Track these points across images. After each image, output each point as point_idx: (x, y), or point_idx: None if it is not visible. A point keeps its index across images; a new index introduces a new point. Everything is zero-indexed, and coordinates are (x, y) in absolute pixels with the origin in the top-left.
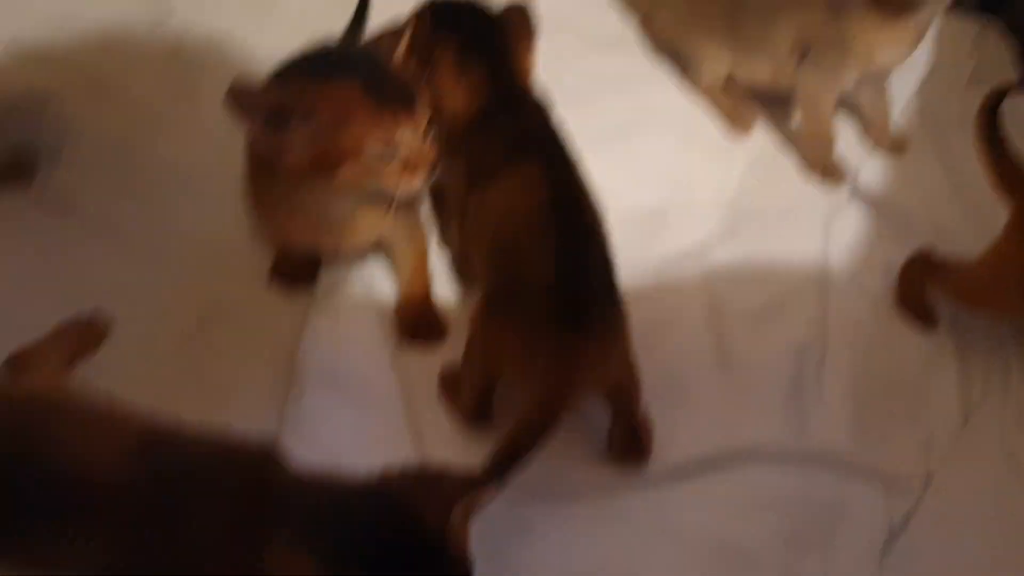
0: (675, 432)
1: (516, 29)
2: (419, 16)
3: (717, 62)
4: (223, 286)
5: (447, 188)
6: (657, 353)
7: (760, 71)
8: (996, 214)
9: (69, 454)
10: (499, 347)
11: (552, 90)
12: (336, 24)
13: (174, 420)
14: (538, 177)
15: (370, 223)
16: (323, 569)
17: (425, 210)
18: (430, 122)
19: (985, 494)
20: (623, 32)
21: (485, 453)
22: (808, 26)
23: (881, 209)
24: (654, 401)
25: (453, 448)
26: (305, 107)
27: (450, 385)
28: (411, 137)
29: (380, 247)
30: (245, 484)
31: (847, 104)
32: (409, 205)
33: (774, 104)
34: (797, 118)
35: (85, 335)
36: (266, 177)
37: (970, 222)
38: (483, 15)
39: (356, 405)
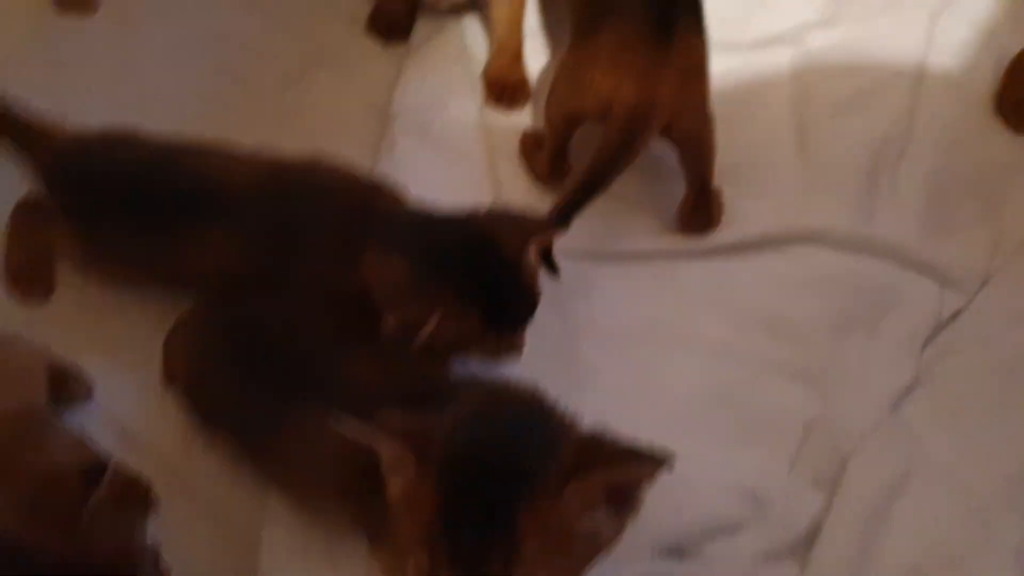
0: (743, 209)
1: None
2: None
3: None
4: (325, 32)
5: None
6: (738, 133)
7: None
8: None
9: (215, 171)
10: (586, 75)
11: None
12: None
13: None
14: None
15: None
16: (414, 272)
17: None
18: None
19: None
20: None
21: None
22: None
23: (994, 8)
24: (728, 177)
25: (529, 201)
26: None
27: (530, 147)
28: None
29: (477, 3)
30: (356, 202)
31: None
32: None
33: None
34: None
35: None
36: None
37: None
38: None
39: (443, 155)
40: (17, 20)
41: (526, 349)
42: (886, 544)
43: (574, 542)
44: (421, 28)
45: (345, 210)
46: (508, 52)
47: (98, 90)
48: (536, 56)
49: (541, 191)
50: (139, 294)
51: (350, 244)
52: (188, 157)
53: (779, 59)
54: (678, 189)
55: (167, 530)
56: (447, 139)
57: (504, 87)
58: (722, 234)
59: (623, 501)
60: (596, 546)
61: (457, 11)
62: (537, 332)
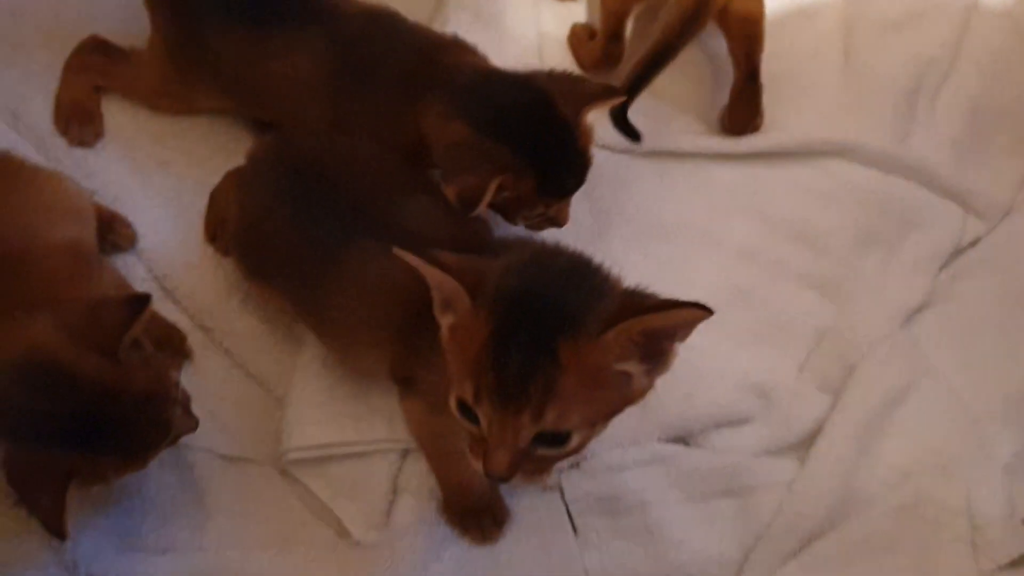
0: (782, 118)
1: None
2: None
3: None
4: None
5: None
6: (787, 43)
7: None
8: None
9: None
10: None
11: None
12: None
13: None
14: None
15: None
16: (473, 131)
17: None
18: None
19: None
20: None
21: None
22: None
23: None
24: (770, 86)
25: None
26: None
27: (579, 37)
28: None
29: None
30: (422, 55)
31: None
32: None
33: None
34: None
35: None
36: None
37: None
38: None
39: (493, 35)
40: None
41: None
42: (882, 449)
43: (608, 385)
44: None
45: (418, 53)
46: None
47: None
48: None
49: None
50: (186, 150)
51: (414, 89)
52: None
53: None
54: (720, 95)
55: (199, 384)
56: (499, 19)
57: None
58: (758, 140)
59: (657, 355)
60: (627, 395)
61: None
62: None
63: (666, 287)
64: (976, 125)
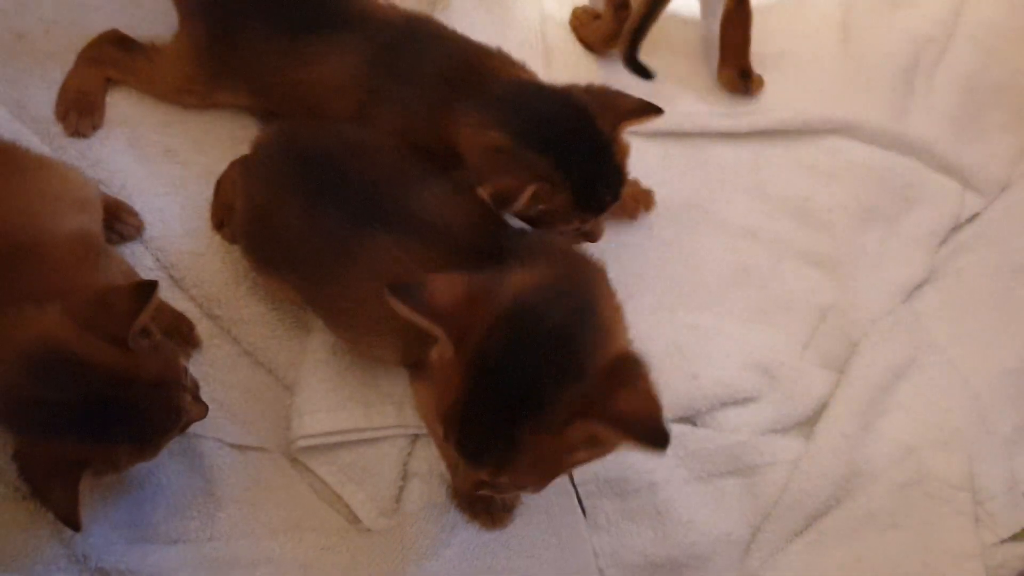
0: (783, 96)
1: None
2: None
3: None
4: None
5: None
6: (786, 23)
7: None
8: None
9: None
10: None
11: None
12: None
13: None
14: None
15: None
16: (511, 141)
17: None
18: None
19: None
20: None
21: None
22: None
23: None
24: (771, 64)
25: (577, 69)
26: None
27: (580, 20)
28: None
29: None
30: (462, 63)
31: None
32: None
33: None
34: None
35: None
36: None
37: None
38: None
39: (495, 16)
40: None
41: None
42: (885, 425)
43: (562, 463)
44: None
45: (459, 61)
46: None
47: None
48: None
49: (589, 59)
50: (191, 137)
51: (451, 97)
52: None
53: None
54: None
55: (207, 372)
56: (502, 1)
57: None
58: (759, 119)
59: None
60: (574, 464)
61: None
62: None
63: (669, 270)
64: (973, 101)
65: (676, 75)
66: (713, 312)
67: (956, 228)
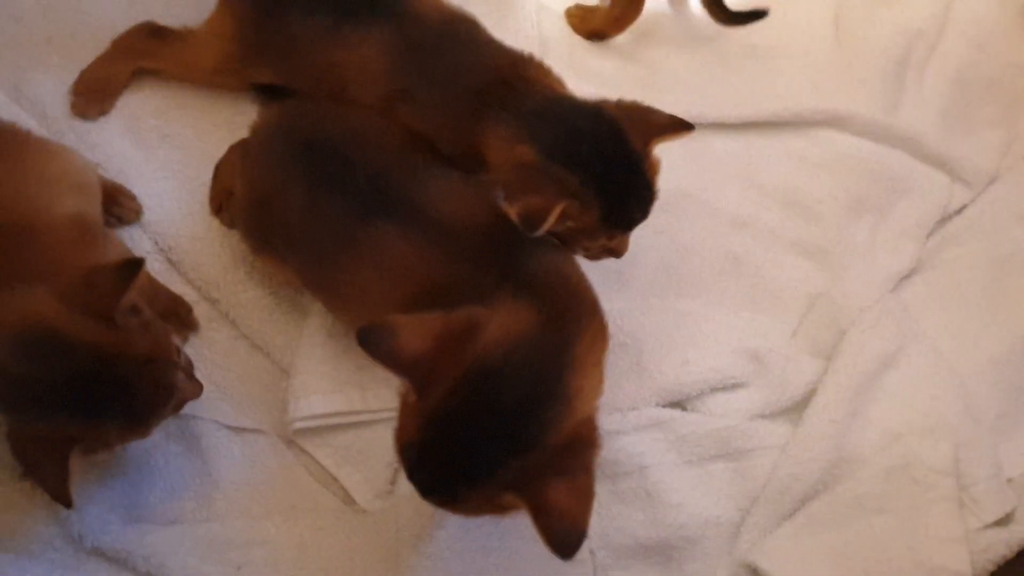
0: (775, 88)
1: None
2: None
3: None
4: None
5: None
6: (779, 15)
7: None
8: None
9: None
10: None
11: None
12: None
13: None
14: None
15: None
16: (541, 156)
17: None
18: None
19: None
20: None
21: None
22: None
23: None
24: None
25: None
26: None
27: (576, 17)
28: None
29: None
30: (496, 73)
31: None
32: None
33: None
34: None
35: None
36: None
37: None
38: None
39: (493, 11)
40: None
41: None
42: (873, 412)
43: (501, 511)
44: None
45: (493, 71)
46: None
47: None
48: None
49: (584, 51)
50: (191, 122)
51: (482, 106)
52: None
53: None
54: (714, 67)
55: (205, 355)
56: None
57: None
58: (752, 110)
59: None
60: (514, 511)
61: None
62: None
63: (661, 258)
64: (963, 95)
65: (670, 67)
66: (704, 299)
67: (944, 220)
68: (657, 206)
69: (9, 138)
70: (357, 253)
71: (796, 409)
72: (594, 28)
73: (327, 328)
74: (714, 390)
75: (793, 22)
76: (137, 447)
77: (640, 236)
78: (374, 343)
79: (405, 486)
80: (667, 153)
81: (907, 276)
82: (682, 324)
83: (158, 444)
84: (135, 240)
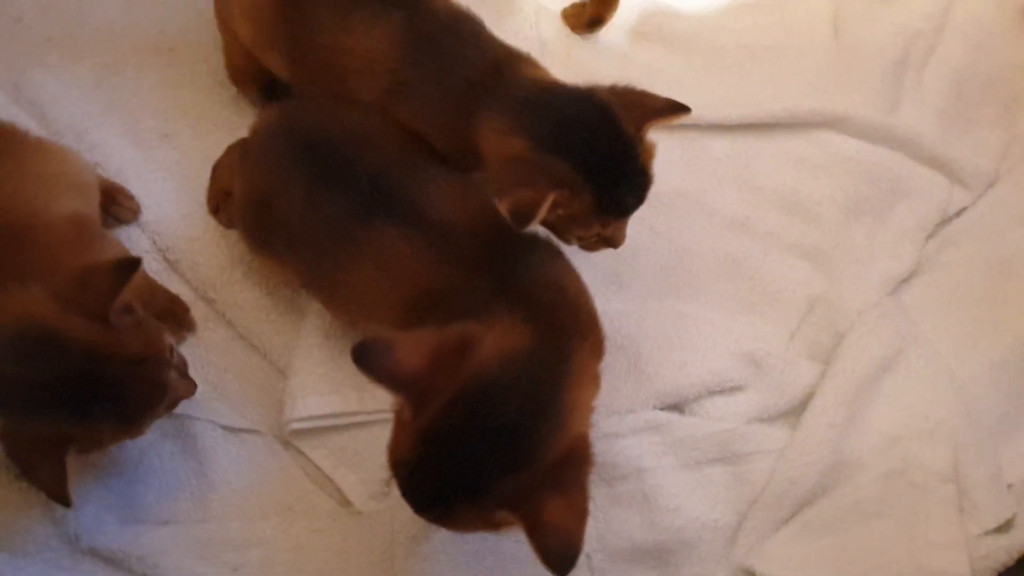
0: (773, 89)
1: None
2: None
3: None
4: None
5: None
6: (777, 16)
7: None
8: None
9: None
10: None
11: None
12: None
13: None
14: None
15: None
16: (533, 147)
17: None
18: None
19: None
20: None
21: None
22: None
23: None
24: (761, 58)
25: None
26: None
27: (571, 16)
28: None
29: None
30: (490, 66)
31: None
32: None
33: None
34: None
35: None
36: None
37: None
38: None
39: (491, 9)
40: None
41: None
42: (871, 415)
43: (495, 528)
44: None
45: (487, 65)
46: None
47: None
48: None
49: (582, 51)
50: (190, 122)
51: (476, 100)
52: None
53: None
54: (711, 68)
55: (202, 355)
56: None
57: None
58: (750, 111)
59: None
60: (508, 528)
61: None
62: None
63: (659, 260)
64: (962, 96)
65: (666, 68)
66: (702, 301)
67: (943, 222)
68: (655, 207)
69: (8, 138)
70: (357, 252)
71: (794, 413)
72: (589, 17)
73: (324, 329)
74: (712, 393)
75: (792, 23)
76: (133, 447)
77: (637, 238)
78: (369, 360)
79: None
80: (665, 154)
81: (906, 279)
82: (680, 327)
83: (154, 444)
84: (133, 240)
